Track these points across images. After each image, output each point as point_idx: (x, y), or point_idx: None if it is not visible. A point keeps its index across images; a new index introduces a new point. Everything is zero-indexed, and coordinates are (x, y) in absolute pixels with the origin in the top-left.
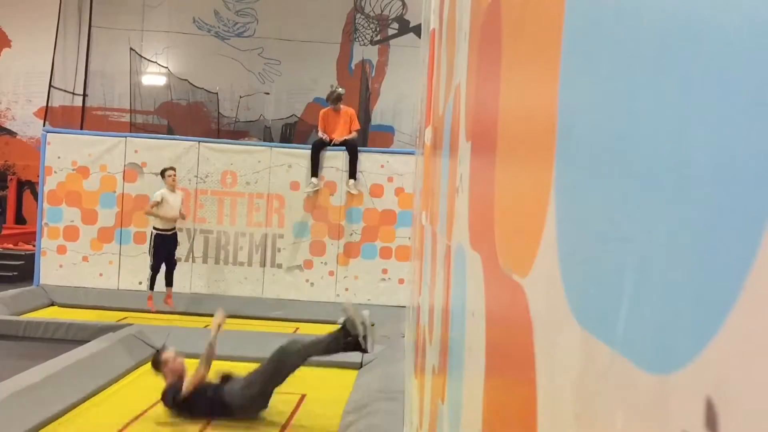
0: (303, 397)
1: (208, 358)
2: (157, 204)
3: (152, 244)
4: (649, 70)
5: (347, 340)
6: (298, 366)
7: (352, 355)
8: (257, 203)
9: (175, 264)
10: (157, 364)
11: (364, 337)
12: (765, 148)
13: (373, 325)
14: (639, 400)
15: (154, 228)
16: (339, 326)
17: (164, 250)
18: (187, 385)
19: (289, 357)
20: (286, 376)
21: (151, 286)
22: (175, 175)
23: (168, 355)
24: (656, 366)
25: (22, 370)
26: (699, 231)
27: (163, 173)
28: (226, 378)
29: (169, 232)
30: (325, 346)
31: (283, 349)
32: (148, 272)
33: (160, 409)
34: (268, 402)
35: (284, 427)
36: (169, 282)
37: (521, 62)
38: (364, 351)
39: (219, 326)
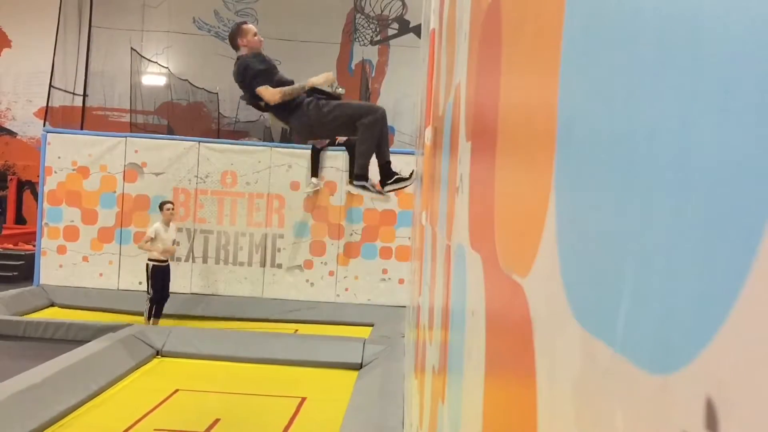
0: (303, 400)
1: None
2: (151, 240)
3: (150, 275)
4: (650, 69)
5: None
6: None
7: (352, 355)
8: (257, 203)
9: (168, 296)
10: (235, 35)
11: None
12: (766, 148)
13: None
14: (639, 400)
15: (150, 260)
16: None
17: (161, 280)
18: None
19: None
20: (351, 126)
21: (149, 317)
22: (173, 210)
23: (250, 26)
24: (656, 366)
25: (22, 370)
26: (699, 231)
27: (161, 206)
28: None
29: (164, 263)
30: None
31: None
32: (146, 305)
33: (161, 409)
34: (329, 134)
35: (284, 430)
36: (158, 313)
37: (521, 62)
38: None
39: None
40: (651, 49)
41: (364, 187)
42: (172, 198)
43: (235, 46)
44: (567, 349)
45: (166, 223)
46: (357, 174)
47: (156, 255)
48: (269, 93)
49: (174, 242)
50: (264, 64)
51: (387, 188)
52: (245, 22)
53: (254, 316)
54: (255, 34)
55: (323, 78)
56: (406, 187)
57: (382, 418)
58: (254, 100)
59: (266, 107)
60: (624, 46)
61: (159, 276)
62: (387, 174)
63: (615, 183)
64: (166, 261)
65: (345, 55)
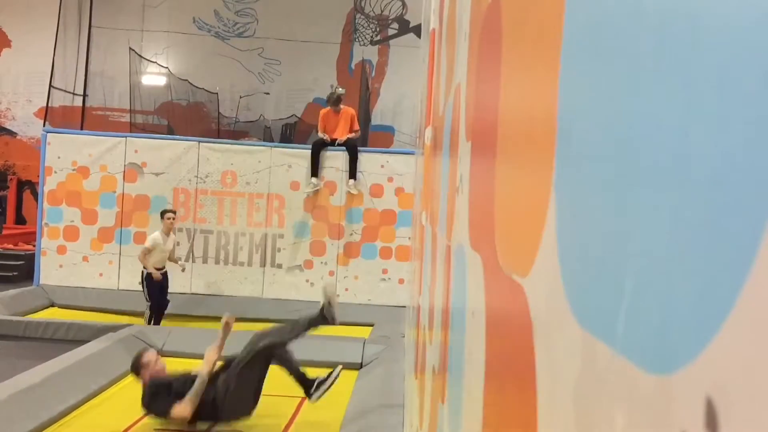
0: (303, 399)
1: (209, 364)
2: (149, 251)
3: (145, 284)
4: (650, 69)
5: (314, 317)
6: (274, 347)
7: (352, 355)
8: (257, 203)
9: (168, 303)
10: (137, 367)
11: (329, 309)
12: (765, 148)
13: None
14: (639, 400)
15: (145, 267)
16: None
17: (158, 287)
18: (201, 380)
19: (262, 340)
20: (263, 362)
21: (151, 324)
22: (174, 219)
23: (150, 356)
24: (656, 366)
25: (22, 370)
26: (699, 231)
27: (162, 214)
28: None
29: (161, 270)
30: (296, 328)
31: (256, 335)
32: (146, 311)
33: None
34: (255, 399)
35: (285, 430)
36: (158, 321)
37: (521, 62)
38: (332, 322)
39: (227, 326)
40: (651, 50)
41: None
42: (172, 198)
43: (138, 374)
44: (567, 349)
45: (166, 233)
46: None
47: (154, 263)
48: (180, 410)
49: (175, 256)
50: (165, 386)
51: (313, 397)
52: (143, 353)
53: (254, 316)
54: (156, 362)
55: (208, 362)
56: (331, 386)
57: (382, 418)
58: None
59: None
60: (624, 46)
61: (155, 283)
62: (307, 384)
63: (615, 183)
64: (163, 267)
65: (345, 55)
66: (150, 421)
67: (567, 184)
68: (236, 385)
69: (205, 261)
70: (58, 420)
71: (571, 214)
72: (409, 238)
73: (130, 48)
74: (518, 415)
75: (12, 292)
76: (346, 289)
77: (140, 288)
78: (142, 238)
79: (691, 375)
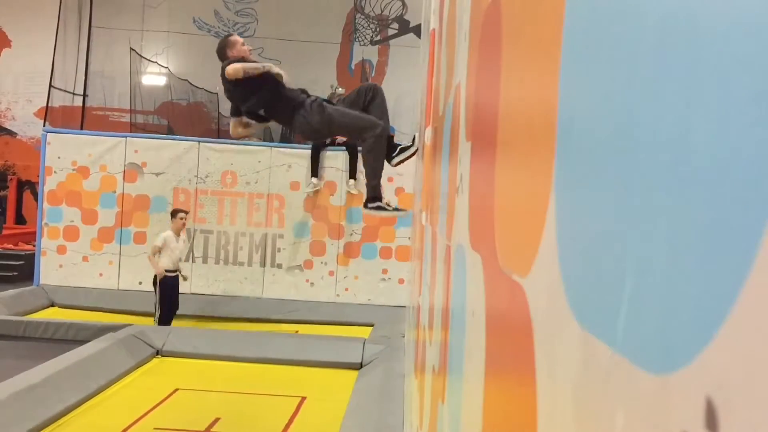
0: (303, 399)
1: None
2: (159, 250)
3: (158, 288)
4: (650, 69)
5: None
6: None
7: (352, 355)
8: (257, 203)
9: (178, 307)
10: (224, 48)
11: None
12: (766, 148)
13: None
14: (639, 400)
15: (155, 269)
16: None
17: (170, 292)
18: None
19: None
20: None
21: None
22: (186, 219)
23: (237, 38)
24: (656, 366)
25: (22, 370)
26: (699, 230)
27: (174, 214)
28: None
29: (173, 274)
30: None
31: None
32: (155, 313)
33: (161, 410)
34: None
35: (284, 430)
36: (167, 324)
37: (521, 62)
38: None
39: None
40: (651, 49)
41: (379, 208)
42: (172, 198)
43: (224, 58)
44: (567, 349)
45: (177, 233)
46: (370, 196)
47: (165, 265)
48: (232, 68)
49: (180, 271)
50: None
51: (394, 160)
52: (232, 34)
53: (254, 316)
54: (243, 44)
55: (281, 72)
56: (412, 155)
57: (382, 418)
58: (246, 104)
59: (267, 115)
60: (624, 46)
61: (168, 287)
62: (390, 148)
63: (615, 183)
64: (175, 271)
65: (345, 55)
66: (151, 422)
67: (567, 184)
68: (326, 118)
69: (205, 261)
70: (57, 420)
71: (571, 214)
72: (409, 238)
73: (130, 48)
74: (518, 415)
75: (12, 292)
76: (346, 289)
77: (140, 288)
78: (142, 238)
79: (691, 375)
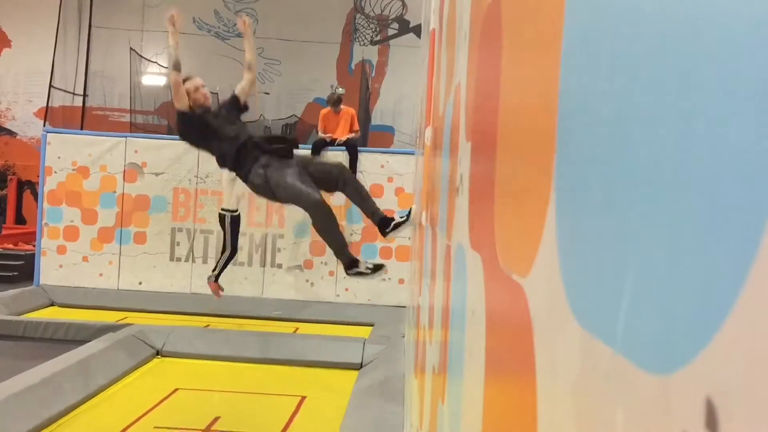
0: (303, 399)
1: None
2: (232, 182)
3: (229, 226)
4: (650, 69)
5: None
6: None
7: (352, 355)
8: (257, 203)
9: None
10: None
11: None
12: (766, 148)
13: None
14: (639, 400)
15: (224, 210)
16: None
17: (238, 231)
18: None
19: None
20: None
21: (219, 275)
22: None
23: (199, 81)
24: (656, 366)
25: (21, 370)
26: (699, 230)
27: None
28: (277, 139)
29: (237, 213)
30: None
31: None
32: (219, 259)
33: (161, 409)
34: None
35: (284, 429)
36: (224, 268)
37: (521, 62)
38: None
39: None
40: (651, 49)
41: (359, 274)
42: (172, 198)
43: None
44: (567, 349)
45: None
46: (345, 264)
47: (232, 204)
48: (172, 76)
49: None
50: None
51: (387, 235)
52: (190, 77)
53: (254, 315)
54: (197, 89)
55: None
56: (406, 227)
57: (382, 418)
58: (203, 150)
59: (221, 162)
60: (624, 46)
61: (236, 226)
62: (384, 224)
63: (615, 183)
64: (238, 211)
65: (345, 55)
66: (151, 421)
67: (567, 183)
68: (272, 185)
69: (205, 261)
70: (57, 420)
71: (571, 214)
72: (409, 238)
73: (130, 48)
74: (518, 414)
75: (12, 292)
76: (347, 289)
77: (140, 288)
78: (142, 238)
79: (691, 375)
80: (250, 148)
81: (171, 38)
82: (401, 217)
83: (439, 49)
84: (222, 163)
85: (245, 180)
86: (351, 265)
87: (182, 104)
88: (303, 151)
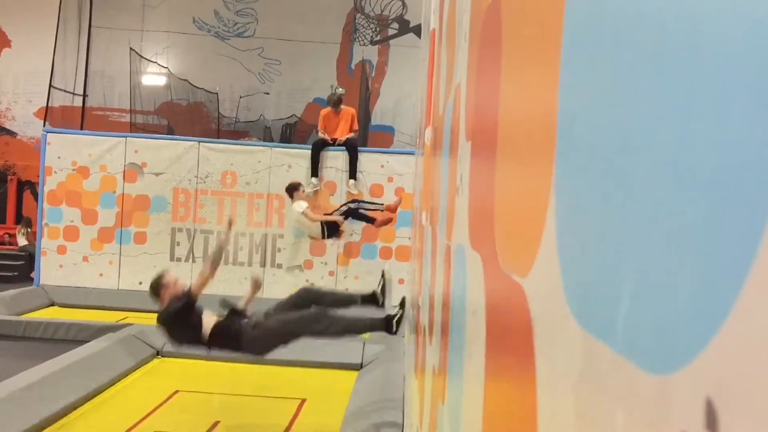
0: (303, 401)
1: (215, 260)
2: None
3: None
4: (650, 69)
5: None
6: (309, 332)
7: (352, 355)
8: (257, 203)
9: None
10: (157, 287)
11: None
12: (765, 148)
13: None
14: (639, 400)
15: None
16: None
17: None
18: (194, 288)
19: (307, 322)
20: (296, 337)
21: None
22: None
23: (171, 277)
24: (656, 366)
25: (21, 370)
26: (699, 231)
27: (296, 188)
28: (234, 312)
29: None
30: (348, 326)
31: (307, 312)
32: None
33: (161, 412)
34: (270, 349)
35: (285, 431)
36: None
37: (521, 62)
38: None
39: (231, 224)
40: (651, 50)
41: (398, 320)
42: (172, 198)
43: (157, 296)
44: (567, 349)
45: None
46: (386, 330)
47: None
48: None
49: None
50: (182, 301)
51: (398, 332)
52: (163, 276)
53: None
54: (176, 282)
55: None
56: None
57: (382, 419)
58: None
59: (217, 348)
60: (624, 46)
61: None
62: (388, 327)
63: (615, 183)
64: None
65: (345, 55)
66: (151, 425)
67: (567, 184)
68: (264, 328)
69: (205, 261)
70: (57, 420)
71: (571, 214)
72: (409, 238)
73: (130, 48)
74: (518, 414)
75: (12, 292)
76: (346, 289)
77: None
78: (142, 238)
79: (691, 375)
80: (231, 324)
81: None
82: (396, 310)
83: (439, 49)
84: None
85: (241, 347)
86: (388, 326)
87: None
88: (305, 151)
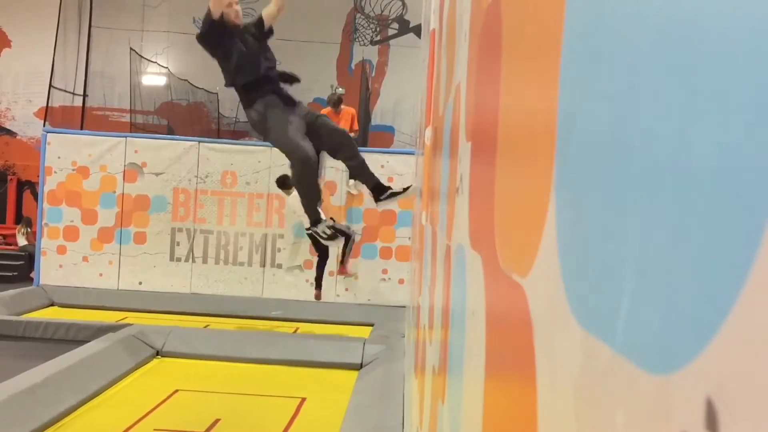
0: (303, 400)
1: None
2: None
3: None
4: (650, 70)
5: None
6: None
7: (352, 355)
8: (257, 203)
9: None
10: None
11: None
12: (765, 148)
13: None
14: (639, 400)
15: (312, 229)
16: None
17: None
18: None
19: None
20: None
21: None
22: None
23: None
24: (656, 366)
25: (21, 370)
26: (699, 231)
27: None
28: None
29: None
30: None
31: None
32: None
33: (161, 411)
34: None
35: (285, 430)
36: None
37: (521, 62)
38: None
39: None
40: (651, 50)
41: (316, 234)
42: (172, 198)
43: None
44: (567, 349)
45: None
46: (310, 220)
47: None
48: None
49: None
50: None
51: (380, 203)
52: None
53: (254, 315)
54: (230, 4)
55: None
56: (400, 197)
57: (382, 419)
58: (227, 65)
59: (232, 83)
60: (624, 46)
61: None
62: (380, 190)
63: (615, 183)
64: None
65: (345, 55)
66: (151, 423)
67: (567, 184)
68: (267, 127)
69: (205, 261)
70: (58, 420)
71: (571, 214)
72: (409, 238)
73: (130, 48)
74: (518, 415)
75: (12, 292)
76: (347, 289)
77: (140, 288)
78: (142, 238)
79: (691, 375)
80: (262, 81)
81: None
82: (399, 189)
83: (439, 49)
84: (231, 82)
85: (245, 108)
86: (315, 222)
87: (217, 8)
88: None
